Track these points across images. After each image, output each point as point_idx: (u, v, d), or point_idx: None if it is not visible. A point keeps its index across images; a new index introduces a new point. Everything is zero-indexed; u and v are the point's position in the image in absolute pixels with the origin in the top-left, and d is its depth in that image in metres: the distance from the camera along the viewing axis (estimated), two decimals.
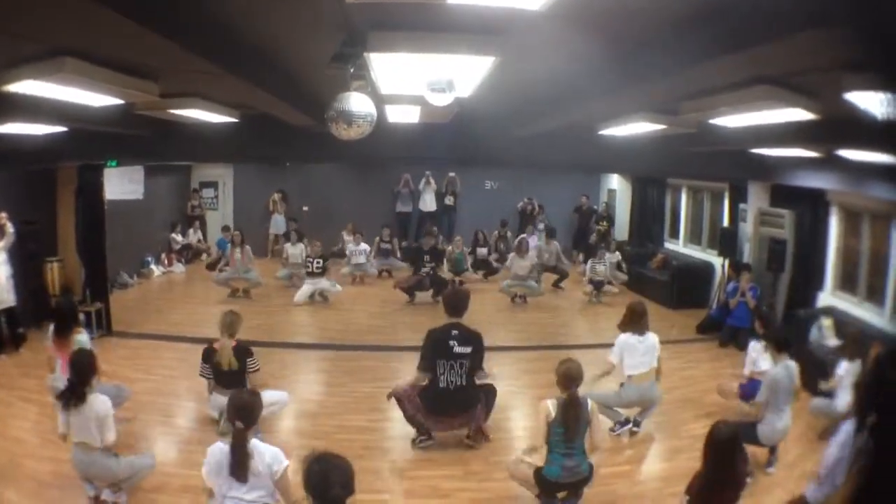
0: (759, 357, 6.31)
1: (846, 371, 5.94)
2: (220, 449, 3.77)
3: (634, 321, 6.10)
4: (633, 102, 5.22)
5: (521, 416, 6.60)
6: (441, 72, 3.76)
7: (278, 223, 15.08)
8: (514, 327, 10.24)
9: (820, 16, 2.31)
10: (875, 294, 7.83)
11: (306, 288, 11.22)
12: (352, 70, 3.79)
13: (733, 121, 5.10)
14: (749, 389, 6.17)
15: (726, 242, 10.54)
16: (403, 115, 6.62)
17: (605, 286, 11.94)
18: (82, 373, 4.56)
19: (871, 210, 7.96)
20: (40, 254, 9.08)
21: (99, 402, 4.53)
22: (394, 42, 3.28)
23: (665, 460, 5.88)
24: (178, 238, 14.37)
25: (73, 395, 4.50)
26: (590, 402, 4.69)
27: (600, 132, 7.20)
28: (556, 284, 12.88)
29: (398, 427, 6.10)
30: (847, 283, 8.50)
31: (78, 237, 9.45)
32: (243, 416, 3.77)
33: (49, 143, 6.94)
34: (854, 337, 6.33)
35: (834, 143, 5.78)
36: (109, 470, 4.63)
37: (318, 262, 11.25)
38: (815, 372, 6.34)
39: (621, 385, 6.13)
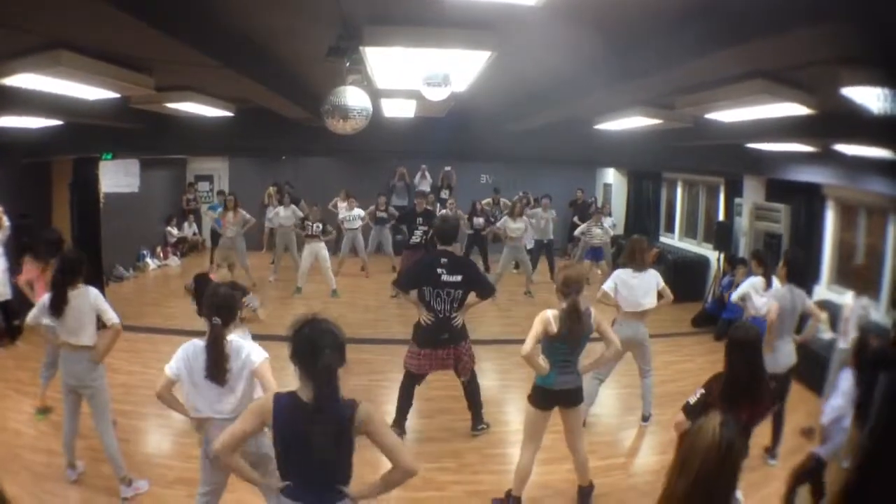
0: (753, 294, 6.37)
1: (850, 309, 5.99)
2: (194, 346, 3.56)
3: (635, 258, 6.10)
4: (629, 97, 5.23)
5: (515, 409, 6.61)
6: (437, 66, 3.76)
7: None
8: (507, 321, 10.25)
9: (817, 10, 2.31)
10: (871, 288, 7.85)
11: (307, 254, 11.06)
12: (347, 64, 3.79)
13: (729, 115, 5.10)
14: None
15: (722, 236, 10.56)
16: (399, 110, 6.61)
17: (602, 259, 11.86)
18: (72, 270, 4.73)
19: (867, 204, 7.98)
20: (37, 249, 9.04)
21: (88, 292, 4.75)
22: (390, 36, 3.27)
23: (660, 453, 5.89)
24: (174, 231, 14.37)
25: (59, 297, 4.63)
26: (593, 311, 4.53)
27: (596, 126, 7.21)
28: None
29: (392, 420, 6.12)
30: (843, 277, 8.52)
31: (73, 230, 9.43)
32: (222, 312, 3.56)
33: (44, 137, 6.93)
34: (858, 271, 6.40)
35: (830, 138, 5.80)
36: (93, 370, 4.76)
37: (317, 226, 11.08)
38: (812, 366, 6.38)
39: (614, 321, 5.91)
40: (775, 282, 6.21)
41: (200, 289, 5.47)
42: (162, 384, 3.64)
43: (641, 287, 6.02)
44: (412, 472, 2.81)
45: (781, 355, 5.44)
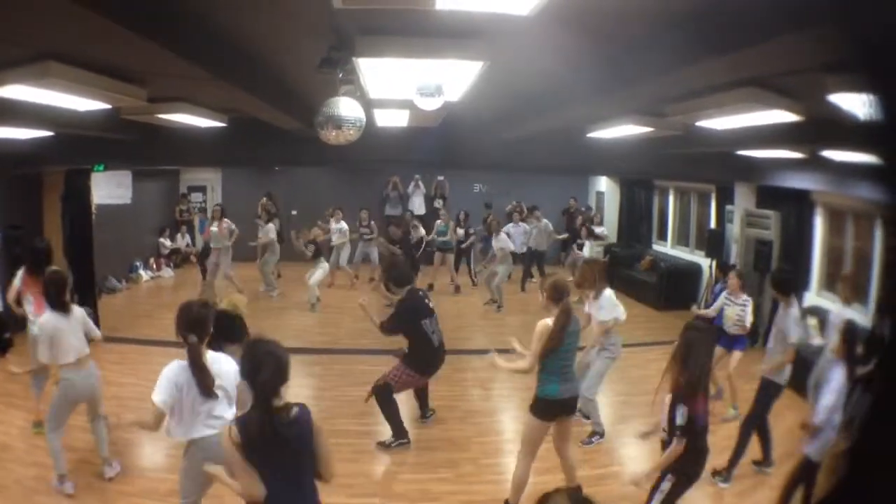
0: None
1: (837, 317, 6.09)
2: (179, 367, 3.58)
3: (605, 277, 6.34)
4: (621, 105, 5.25)
5: (509, 419, 6.62)
6: (430, 76, 3.77)
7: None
8: (499, 331, 10.20)
9: (803, 18, 2.33)
10: (859, 293, 7.88)
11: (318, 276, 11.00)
12: (340, 75, 3.80)
13: (719, 123, 5.14)
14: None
15: (713, 244, 10.60)
16: (392, 119, 6.63)
17: None
18: (60, 285, 4.90)
19: (855, 210, 8.03)
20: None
21: (77, 309, 4.94)
22: (382, 47, 3.29)
23: (653, 461, 5.88)
24: (167, 242, 14.32)
25: (59, 304, 4.80)
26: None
27: (588, 135, 7.23)
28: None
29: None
30: (832, 282, 8.55)
31: (65, 242, 9.39)
32: (197, 329, 3.61)
33: (35, 148, 6.90)
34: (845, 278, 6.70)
35: (818, 144, 5.84)
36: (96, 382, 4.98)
37: (311, 246, 11.03)
38: (802, 371, 6.39)
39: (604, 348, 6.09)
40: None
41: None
42: (154, 421, 3.57)
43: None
44: (329, 480, 3.05)
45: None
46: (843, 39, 2.39)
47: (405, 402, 6.25)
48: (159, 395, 3.52)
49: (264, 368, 2.76)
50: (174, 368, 3.57)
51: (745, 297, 6.62)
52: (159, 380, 3.55)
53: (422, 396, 6.49)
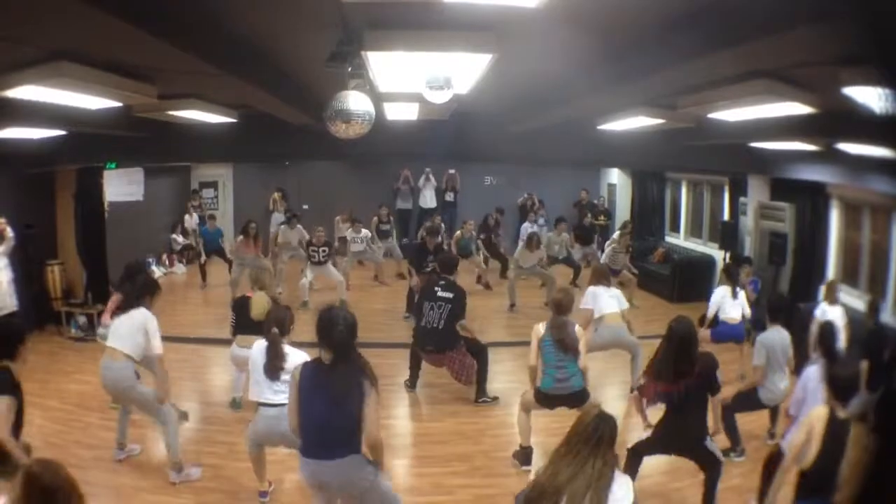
0: (724, 301, 7.14)
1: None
2: (260, 348, 4.56)
3: (601, 279, 7.02)
4: (632, 97, 5.22)
5: None
6: (439, 69, 3.76)
7: (279, 222, 14.99)
8: (518, 322, 10.22)
9: (817, 9, 2.30)
10: (877, 286, 7.81)
11: (310, 274, 10.86)
12: (349, 69, 3.79)
13: (732, 115, 5.09)
14: (718, 334, 7.17)
15: (727, 236, 10.52)
16: (402, 113, 6.62)
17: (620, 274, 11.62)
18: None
19: (872, 203, 7.94)
20: (41, 257, 9.06)
21: (143, 312, 5.31)
22: (391, 40, 3.27)
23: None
24: (179, 239, 14.35)
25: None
26: (577, 326, 5.29)
27: (599, 127, 7.20)
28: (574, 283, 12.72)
29: (402, 424, 6.13)
30: (849, 275, 8.49)
31: (78, 239, 9.45)
32: (279, 325, 4.62)
33: (47, 147, 6.95)
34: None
35: (833, 137, 5.78)
36: (128, 380, 5.14)
37: (323, 251, 10.79)
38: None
39: (595, 330, 6.68)
40: (741, 294, 7.14)
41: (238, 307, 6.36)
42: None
43: (610, 295, 6.89)
44: (377, 441, 3.63)
45: (777, 389, 5.51)
46: (859, 32, 2.37)
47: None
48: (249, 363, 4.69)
49: (337, 325, 3.40)
50: (257, 349, 4.61)
51: None
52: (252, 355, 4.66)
53: (414, 367, 7.10)
